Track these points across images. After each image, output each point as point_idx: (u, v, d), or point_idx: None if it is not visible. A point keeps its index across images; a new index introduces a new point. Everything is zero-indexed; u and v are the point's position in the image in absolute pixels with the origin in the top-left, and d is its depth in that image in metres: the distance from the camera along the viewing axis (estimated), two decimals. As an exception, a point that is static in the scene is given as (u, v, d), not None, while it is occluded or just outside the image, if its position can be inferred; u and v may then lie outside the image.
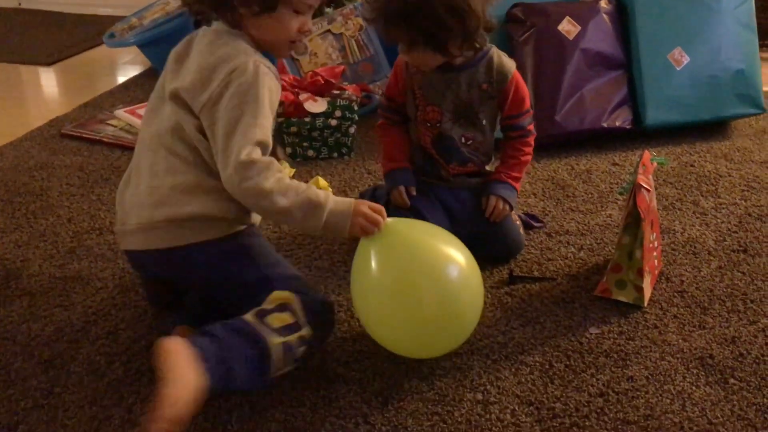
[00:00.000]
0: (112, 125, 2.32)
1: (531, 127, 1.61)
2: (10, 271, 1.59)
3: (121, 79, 2.93)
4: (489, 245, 1.58)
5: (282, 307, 1.18)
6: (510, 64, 1.55)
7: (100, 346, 1.34)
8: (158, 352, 1.03)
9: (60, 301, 1.48)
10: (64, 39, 3.44)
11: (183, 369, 1.02)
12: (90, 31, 3.51)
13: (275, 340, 1.14)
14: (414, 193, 1.57)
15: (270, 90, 1.20)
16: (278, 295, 1.19)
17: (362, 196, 1.73)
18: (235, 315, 1.17)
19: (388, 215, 1.56)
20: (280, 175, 1.17)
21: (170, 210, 1.23)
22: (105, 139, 2.23)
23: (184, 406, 1.00)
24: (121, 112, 2.36)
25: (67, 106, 2.58)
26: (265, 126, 1.18)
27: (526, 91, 1.57)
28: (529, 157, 1.63)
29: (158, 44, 2.71)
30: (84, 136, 2.27)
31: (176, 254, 1.24)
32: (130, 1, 3.62)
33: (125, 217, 1.29)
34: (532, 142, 1.62)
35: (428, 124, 1.57)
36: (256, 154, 1.15)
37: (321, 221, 1.19)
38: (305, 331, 1.18)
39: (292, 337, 1.16)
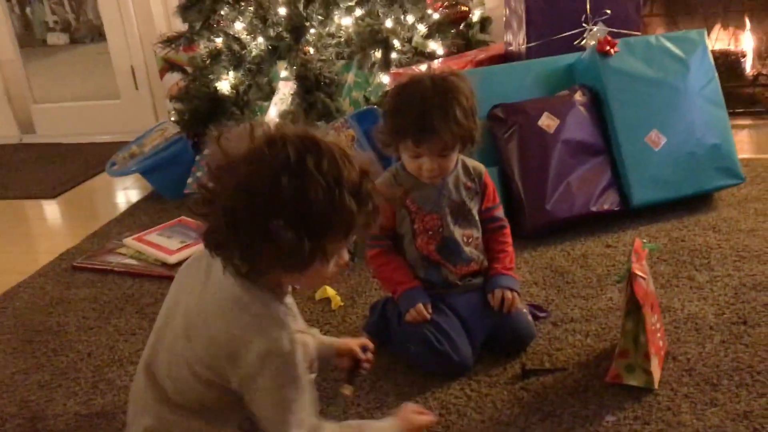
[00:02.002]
0: (121, 254, 2.40)
1: (505, 218, 1.76)
2: (36, 412, 1.62)
3: (124, 205, 3.04)
4: (503, 340, 1.66)
5: None
6: (478, 163, 1.73)
7: (131, 483, 1.36)
8: None
9: (88, 440, 1.51)
10: (66, 170, 3.57)
11: None
12: (90, 161, 3.64)
13: None
14: (430, 309, 1.63)
15: (304, 355, 1.17)
16: None
17: (372, 309, 1.79)
18: None
19: (405, 334, 1.63)
20: None
21: None
22: (116, 269, 2.30)
23: None
24: (129, 240, 2.44)
25: (75, 237, 2.66)
26: (306, 400, 1.16)
27: (494, 185, 1.75)
28: (512, 247, 1.75)
29: (160, 170, 2.84)
30: (95, 267, 2.34)
31: None
32: (128, 127, 3.80)
33: None
34: (510, 233, 1.76)
35: (430, 233, 1.66)
36: None
37: None
38: None
39: None
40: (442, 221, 1.66)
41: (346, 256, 1.16)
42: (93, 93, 4.22)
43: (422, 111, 1.53)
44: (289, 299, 1.24)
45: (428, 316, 1.61)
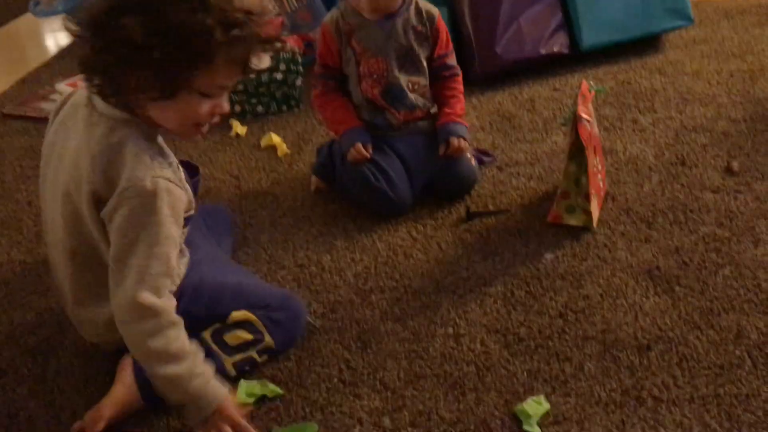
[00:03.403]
0: (55, 100, 2.29)
1: (458, 65, 1.72)
2: (-21, 262, 1.60)
3: (54, 49, 2.86)
4: (446, 183, 1.67)
5: (240, 325, 1.24)
6: (432, 6, 1.66)
7: (83, 327, 1.38)
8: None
9: (36, 288, 1.51)
10: (-14, 11, 3.32)
11: (124, 387, 1.17)
12: (11, 0, 3.38)
13: (229, 360, 1.22)
14: (371, 149, 1.63)
15: (173, 205, 1.08)
16: (237, 315, 1.24)
17: (319, 152, 1.78)
18: (194, 327, 1.20)
19: (346, 173, 1.63)
20: (171, 336, 1.07)
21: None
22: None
23: (112, 413, 1.15)
24: (62, 86, 2.33)
25: (3, 83, 2.52)
26: (164, 254, 1.07)
27: (448, 31, 1.69)
28: (463, 95, 1.73)
29: (88, 10, 2.64)
30: (28, 114, 2.24)
31: None
32: (50, -36, 3.49)
33: None
34: (462, 80, 1.72)
35: (374, 76, 1.62)
36: (150, 299, 1.06)
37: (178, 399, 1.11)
38: (267, 343, 1.25)
39: (251, 352, 1.24)
40: (388, 65, 1.62)
41: (225, 104, 1.11)
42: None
43: None
44: (164, 147, 1.16)
45: (368, 155, 1.62)
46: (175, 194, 1.09)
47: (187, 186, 1.17)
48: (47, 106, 2.26)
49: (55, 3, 2.75)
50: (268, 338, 1.25)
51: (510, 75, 2.21)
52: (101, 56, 1.03)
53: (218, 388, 1.11)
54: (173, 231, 1.09)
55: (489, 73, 2.18)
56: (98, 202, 1.10)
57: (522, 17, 2.18)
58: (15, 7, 3.27)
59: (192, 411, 1.10)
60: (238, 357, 1.23)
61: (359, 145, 1.61)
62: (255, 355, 1.25)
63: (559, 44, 2.23)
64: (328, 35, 1.63)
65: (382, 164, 1.62)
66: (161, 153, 1.12)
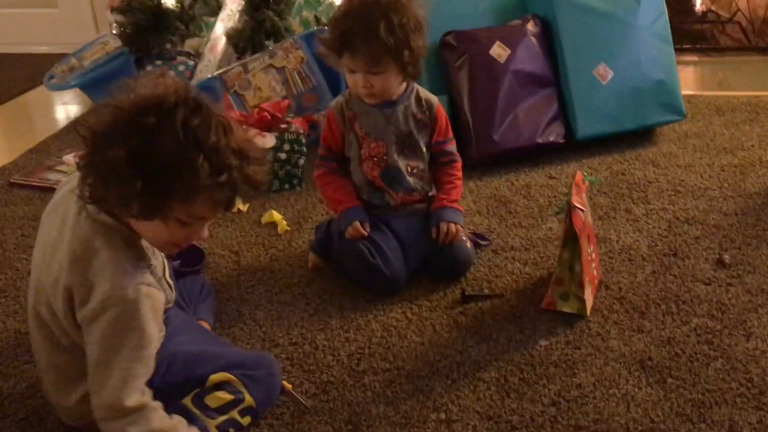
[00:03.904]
0: (61, 171, 2.34)
1: (457, 152, 1.77)
2: (-26, 330, 1.60)
3: (63, 121, 2.94)
4: (442, 264, 1.70)
5: (219, 386, 1.26)
6: (432, 95, 1.72)
7: (74, 399, 1.37)
8: None
9: (28, 357, 1.50)
10: (0, 82, 3.41)
11: None
12: (26, 73, 3.48)
13: (212, 423, 1.24)
14: (368, 227, 1.67)
15: (154, 309, 1.13)
16: (215, 377, 1.27)
17: (317, 229, 1.81)
18: (174, 395, 1.24)
19: (343, 249, 1.66)
20: (151, 418, 1.12)
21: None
22: (55, 186, 2.23)
23: None
24: (69, 158, 2.38)
25: (12, 153, 2.57)
26: (147, 356, 1.12)
27: (448, 119, 1.74)
28: (461, 181, 1.77)
29: (101, 85, 2.73)
30: (33, 184, 2.28)
31: None
32: (66, 39, 3.62)
33: None
34: (460, 167, 1.77)
35: (375, 159, 1.68)
36: (134, 400, 1.10)
37: None
38: (248, 402, 1.27)
39: (233, 413, 1.25)
40: (387, 149, 1.68)
41: (204, 233, 1.14)
42: (29, 0, 3.99)
43: (349, 25, 1.53)
44: (146, 247, 1.18)
45: (365, 234, 1.66)
46: (155, 298, 1.13)
47: (168, 282, 1.22)
48: (53, 177, 2.31)
49: (68, 77, 2.83)
50: (248, 397, 1.27)
51: (507, 161, 2.27)
52: (90, 168, 1.07)
53: None
54: (155, 332, 1.14)
55: (486, 159, 2.24)
56: (70, 298, 1.13)
57: (519, 107, 2.26)
58: (29, 80, 3.37)
59: None
60: (220, 419, 1.24)
61: (357, 224, 1.66)
62: (237, 416, 1.26)
63: (554, 134, 2.30)
64: (333, 120, 1.69)
65: (378, 242, 1.65)
66: (141, 257, 1.15)
